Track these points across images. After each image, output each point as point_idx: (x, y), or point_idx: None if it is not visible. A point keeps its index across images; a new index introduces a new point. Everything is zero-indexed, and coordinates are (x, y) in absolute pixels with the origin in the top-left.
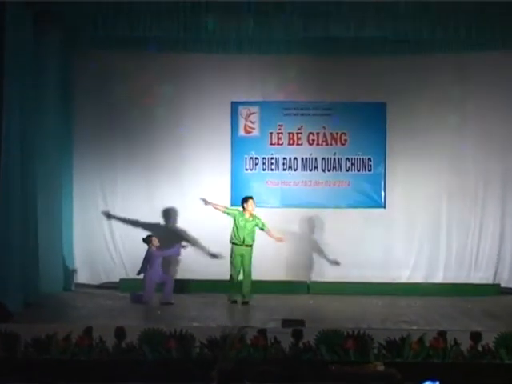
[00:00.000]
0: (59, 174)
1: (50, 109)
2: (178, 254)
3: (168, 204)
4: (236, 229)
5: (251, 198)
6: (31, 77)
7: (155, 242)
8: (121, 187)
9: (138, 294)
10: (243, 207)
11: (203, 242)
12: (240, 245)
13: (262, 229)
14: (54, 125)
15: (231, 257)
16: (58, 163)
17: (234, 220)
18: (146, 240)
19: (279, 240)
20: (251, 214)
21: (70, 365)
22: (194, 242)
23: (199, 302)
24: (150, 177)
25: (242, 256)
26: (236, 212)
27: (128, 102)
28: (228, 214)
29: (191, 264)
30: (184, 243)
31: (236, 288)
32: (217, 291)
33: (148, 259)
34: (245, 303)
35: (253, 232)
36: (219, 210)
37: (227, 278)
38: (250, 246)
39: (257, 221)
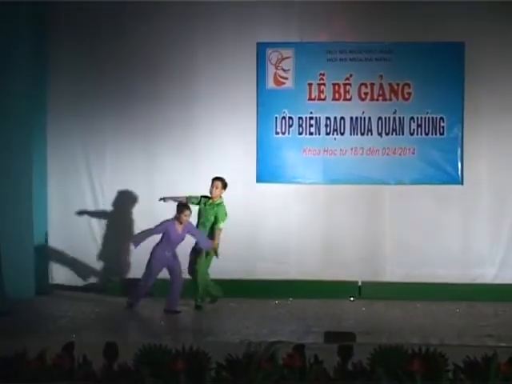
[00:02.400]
0: (28, 146)
1: (15, 60)
2: (209, 246)
3: (174, 181)
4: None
5: (217, 178)
6: None
7: (186, 215)
8: (111, 161)
9: (136, 284)
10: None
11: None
12: None
13: (214, 223)
14: (20, 81)
15: None
16: (28, 132)
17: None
18: (179, 207)
19: (213, 248)
20: (217, 198)
21: None
22: None
23: (215, 308)
24: (149, 145)
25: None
26: (201, 197)
27: (120, 46)
28: (193, 203)
29: None
30: None
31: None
32: (238, 295)
33: (164, 231)
34: (198, 307)
35: (210, 221)
36: (182, 201)
37: (250, 276)
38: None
39: (216, 209)
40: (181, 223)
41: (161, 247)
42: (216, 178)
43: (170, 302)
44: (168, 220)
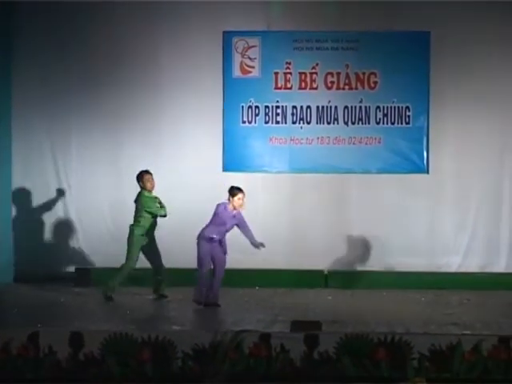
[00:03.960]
0: None
1: None
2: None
3: (140, 169)
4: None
5: (148, 172)
6: None
7: (240, 198)
8: (77, 148)
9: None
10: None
11: (186, 220)
12: None
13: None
14: None
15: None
16: None
17: None
18: (231, 191)
19: None
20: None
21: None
22: (173, 222)
23: (181, 298)
24: (115, 133)
25: None
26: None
27: (85, 36)
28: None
29: (170, 250)
30: None
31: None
32: None
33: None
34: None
35: None
36: None
37: None
38: None
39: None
40: (234, 209)
41: (207, 230)
42: (148, 172)
43: (211, 294)
44: (220, 203)
